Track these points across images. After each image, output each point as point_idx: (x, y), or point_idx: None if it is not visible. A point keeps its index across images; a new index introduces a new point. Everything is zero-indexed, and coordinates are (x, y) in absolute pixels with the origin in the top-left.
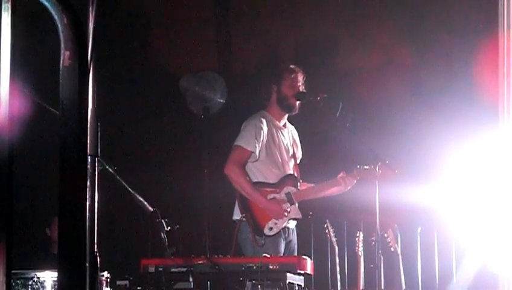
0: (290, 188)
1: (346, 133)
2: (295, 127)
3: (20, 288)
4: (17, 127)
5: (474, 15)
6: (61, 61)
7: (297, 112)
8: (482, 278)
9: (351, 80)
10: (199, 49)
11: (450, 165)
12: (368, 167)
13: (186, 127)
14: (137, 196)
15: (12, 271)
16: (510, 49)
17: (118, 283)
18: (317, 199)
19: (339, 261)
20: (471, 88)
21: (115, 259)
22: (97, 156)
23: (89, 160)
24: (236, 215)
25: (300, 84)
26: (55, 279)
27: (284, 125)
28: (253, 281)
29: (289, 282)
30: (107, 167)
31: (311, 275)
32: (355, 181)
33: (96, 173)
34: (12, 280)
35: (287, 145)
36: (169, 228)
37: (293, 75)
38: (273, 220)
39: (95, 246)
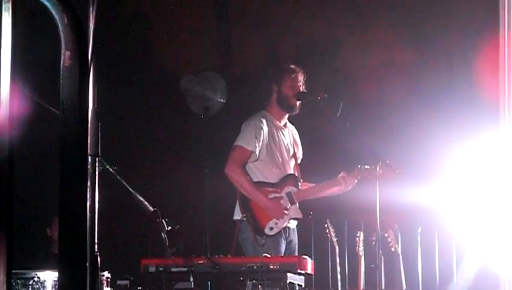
0: (290, 188)
1: (347, 133)
2: (295, 127)
3: (20, 288)
4: (17, 127)
5: (475, 15)
6: (61, 61)
7: (297, 112)
8: (482, 278)
9: (351, 80)
10: (199, 49)
11: (450, 165)
12: (368, 167)
13: (186, 127)
14: (138, 196)
15: (13, 271)
16: (511, 49)
17: (119, 282)
18: (317, 199)
19: (340, 261)
20: (471, 88)
21: (116, 259)
22: (97, 156)
23: (90, 160)
24: (237, 215)
25: (300, 84)
26: (56, 279)
27: (285, 125)
28: (254, 281)
29: (290, 282)
30: (107, 166)
31: (312, 275)
32: (355, 181)
33: (97, 173)
34: (12, 280)
35: (287, 145)
36: (169, 227)
37: (293, 75)
38: (274, 220)
39: (96, 245)
